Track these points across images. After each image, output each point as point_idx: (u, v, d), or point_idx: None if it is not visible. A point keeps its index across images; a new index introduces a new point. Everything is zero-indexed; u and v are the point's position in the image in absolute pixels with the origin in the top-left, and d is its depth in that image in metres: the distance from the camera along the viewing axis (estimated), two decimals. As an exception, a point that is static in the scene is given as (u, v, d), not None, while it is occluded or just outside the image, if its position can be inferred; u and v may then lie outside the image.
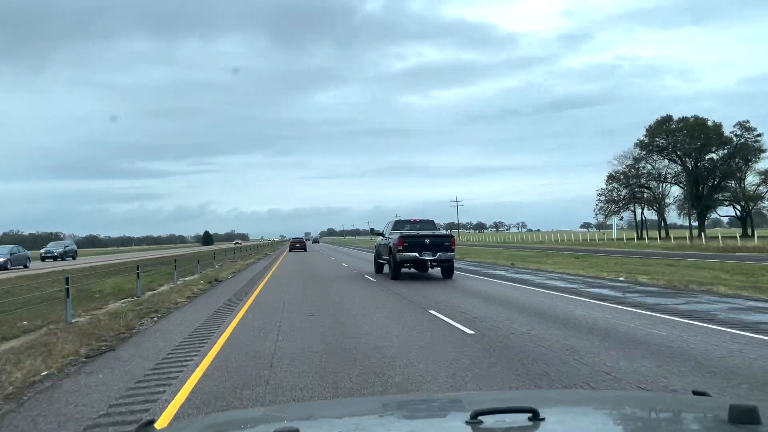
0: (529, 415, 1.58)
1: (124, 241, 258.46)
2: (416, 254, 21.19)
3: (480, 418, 1.55)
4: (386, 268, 23.65)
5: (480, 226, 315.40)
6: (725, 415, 1.48)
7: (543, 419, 1.56)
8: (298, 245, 69.87)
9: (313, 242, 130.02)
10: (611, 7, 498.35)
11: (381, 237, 25.16)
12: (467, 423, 1.55)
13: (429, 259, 21.32)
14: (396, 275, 21.42)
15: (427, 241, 21.38)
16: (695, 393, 2.04)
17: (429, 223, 24.38)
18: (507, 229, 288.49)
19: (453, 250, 21.75)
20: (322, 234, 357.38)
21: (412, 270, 22.80)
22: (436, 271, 23.04)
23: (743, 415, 1.44)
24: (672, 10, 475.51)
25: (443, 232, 23.53)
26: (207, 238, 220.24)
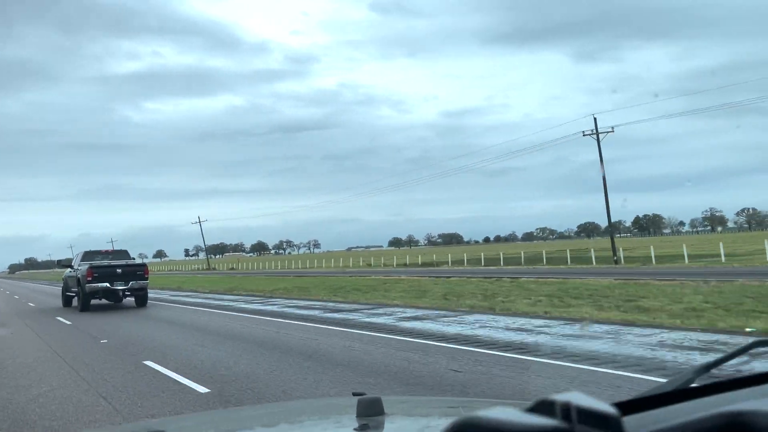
0: None
1: None
2: (107, 284, 21.11)
3: None
4: (75, 302, 22.88)
5: (261, 248, 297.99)
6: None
7: None
8: None
9: None
10: (338, 33, 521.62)
11: (69, 269, 24.26)
12: None
13: (121, 289, 21.43)
14: (85, 307, 21.00)
15: (119, 270, 21.50)
16: (354, 394, 2.24)
17: (122, 253, 24.37)
18: (297, 251, 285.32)
19: (146, 279, 22.20)
20: (14, 267, 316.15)
21: (104, 301, 22.46)
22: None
23: (368, 407, 1.50)
24: (390, 41, 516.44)
25: (136, 261, 23.81)
26: None
